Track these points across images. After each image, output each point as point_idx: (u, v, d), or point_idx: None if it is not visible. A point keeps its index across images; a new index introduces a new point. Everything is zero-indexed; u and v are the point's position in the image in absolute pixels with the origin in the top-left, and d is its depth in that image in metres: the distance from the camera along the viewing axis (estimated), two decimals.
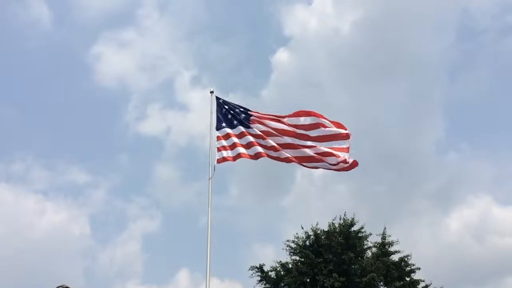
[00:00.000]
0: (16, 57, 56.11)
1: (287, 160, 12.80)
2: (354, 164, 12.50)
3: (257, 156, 12.88)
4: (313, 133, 12.80)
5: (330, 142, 12.65)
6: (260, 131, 12.98)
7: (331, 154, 12.50)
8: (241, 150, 12.92)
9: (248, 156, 12.91)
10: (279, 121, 13.06)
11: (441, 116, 51.86)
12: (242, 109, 13.41)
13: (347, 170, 12.72)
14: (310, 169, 13.36)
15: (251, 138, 12.97)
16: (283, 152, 12.70)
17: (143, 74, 58.29)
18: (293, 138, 12.82)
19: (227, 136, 13.10)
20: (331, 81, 51.83)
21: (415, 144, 48.43)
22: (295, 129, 12.85)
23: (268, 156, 12.85)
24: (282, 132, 12.89)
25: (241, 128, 13.14)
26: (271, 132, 12.93)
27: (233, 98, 13.73)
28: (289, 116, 13.03)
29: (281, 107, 48.77)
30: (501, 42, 56.87)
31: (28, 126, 53.10)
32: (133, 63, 58.18)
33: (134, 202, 50.16)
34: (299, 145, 12.72)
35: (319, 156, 12.57)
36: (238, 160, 12.98)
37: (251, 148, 12.92)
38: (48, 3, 57.34)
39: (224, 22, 61.74)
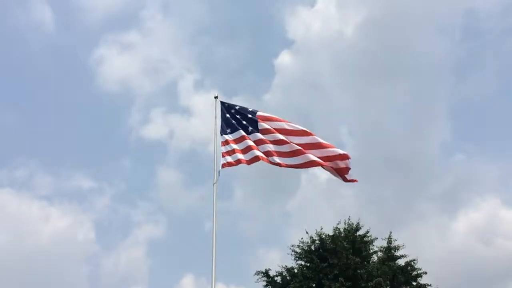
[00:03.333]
0: (19, 61, 56.26)
1: (292, 166, 12.80)
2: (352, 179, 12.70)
3: (260, 159, 12.82)
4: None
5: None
6: (266, 137, 12.93)
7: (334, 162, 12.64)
8: (245, 155, 12.86)
9: (252, 162, 12.85)
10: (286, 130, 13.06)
11: (446, 117, 51.64)
12: (250, 110, 13.32)
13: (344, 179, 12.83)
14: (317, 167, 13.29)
15: (255, 144, 12.91)
16: (288, 158, 12.67)
17: (146, 78, 58.34)
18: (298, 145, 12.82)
19: (231, 141, 13.04)
20: (335, 83, 51.81)
21: (420, 147, 48.21)
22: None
23: (271, 162, 12.81)
24: (290, 135, 12.88)
25: (246, 133, 13.07)
26: (279, 140, 12.90)
27: (236, 102, 13.69)
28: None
29: (284, 110, 48.80)
30: (506, 42, 56.62)
31: (31, 131, 53.22)
32: (136, 66, 58.21)
33: (138, 207, 50.14)
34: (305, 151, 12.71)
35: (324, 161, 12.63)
36: (242, 165, 12.92)
37: (255, 153, 12.84)
38: (50, 6, 57.52)
39: (227, 25, 61.85)
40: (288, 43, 62.13)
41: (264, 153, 12.76)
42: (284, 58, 54.87)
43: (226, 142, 13.03)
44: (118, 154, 55.73)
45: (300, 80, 53.43)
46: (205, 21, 60.52)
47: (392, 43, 49.31)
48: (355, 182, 12.87)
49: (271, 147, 12.78)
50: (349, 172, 12.72)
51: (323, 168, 12.87)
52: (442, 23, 53.60)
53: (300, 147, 12.58)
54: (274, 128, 12.95)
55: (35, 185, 49.19)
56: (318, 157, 12.52)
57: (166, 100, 58.98)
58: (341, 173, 12.73)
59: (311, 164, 12.69)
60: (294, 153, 12.60)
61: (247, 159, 12.80)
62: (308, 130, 12.92)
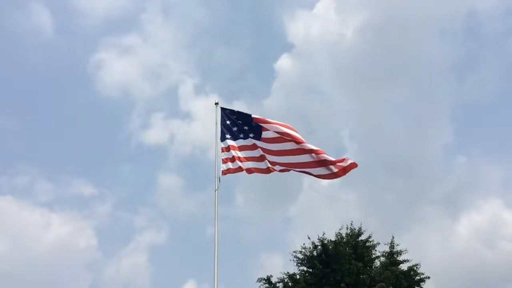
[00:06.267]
0: (19, 66, 56.08)
1: (290, 168, 12.86)
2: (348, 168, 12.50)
3: (258, 171, 12.93)
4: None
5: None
6: (268, 145, 12.98)
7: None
8: (245, 163, 12.90)
9: (252, 170, 12.91)
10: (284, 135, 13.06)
11: (448, 119, 51.39)
12: (248, 119, 13.33)
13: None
14: (316, 177, 13.29)
15: (255, 152, 12.98)
16: (287, 167, 12.77)
17: (146, 82, 58.22)
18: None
19: (231, 148, 13.07)
20: (335, 87, 51.76)
21: (422, 149, 48.08)
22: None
23: (272, 170, 12.90)
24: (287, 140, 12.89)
25: (245, 141, 13.13)
26: (275, 140, 12.93)
27: (236, 106, 13.73)
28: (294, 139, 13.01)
29: (285, 114, 48.73)
30: (507, 43, 56.48)
31: (31, 138, 53.12)
32: (136, 71, 58.06)
33: (139, 213, 50.00)
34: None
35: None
36: (243, 172, 12.98)
37: (255, 162, 12.92)
38: (50, 10, 57.47)
39: (227, 28, 61.64)
40: (288, 47, 61.99)
41: (263, 162, 12.83)
42: (284, 62, 54.84)
43: (226, 149, 13.05)
44: (118, 159, 55.57)
45: (301, 83, 53.46)
46: (205, 25, 60.49)
47: (392, 46, 49.33)
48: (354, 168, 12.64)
49: (272, 157, 12.88)
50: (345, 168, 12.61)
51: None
52: (442, 25, 53.69)
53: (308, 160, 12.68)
54: (274, 131, 12.98)
55: (35, 192, 49.10)
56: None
57: (167, 104, 58.94)
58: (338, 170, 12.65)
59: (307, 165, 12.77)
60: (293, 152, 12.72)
61: (246, 168, 12.85)
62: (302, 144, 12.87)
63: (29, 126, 53.95)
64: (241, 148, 13.07)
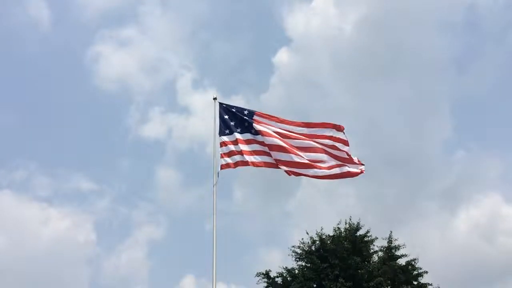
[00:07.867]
0: (16, 60, 55.55)
1: (287, 173, 12.98)
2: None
3: (256, 164, 12.98)
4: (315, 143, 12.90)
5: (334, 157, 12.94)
6: (263, 140, 13.01)
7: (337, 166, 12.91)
8: (244, 157, 12.93)
9: (250, 164, 12.93)
10: (284, 122, 13.11)
11: (447, 114, 51.27)
12: (246, 113, 13.34)
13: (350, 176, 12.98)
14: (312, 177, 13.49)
15: (254, 146, 12.99)
16: (283, 167, 12.81)
17: (144, 76, 57.99)
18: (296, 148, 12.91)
19: (230, 143, 13.10)
20: (334, 81, 51.62)
21: (421, 144, 48.04)
22: (299, 136, 12.97)
23: (270, 165, 12.94)
24: (286, 140, 12.93)
25: (244, 135, 13.14)
26: (275, 142, 12.96)
27: (235, 100, 13.76)
28: (295, 124, 13.10)
29: (283, 108, 48.66)
30: (508, 36, 56.32)
31: (29, 132, 52.95)
32: (134, 64, 57.76)
33: (138, 208, 50.03)
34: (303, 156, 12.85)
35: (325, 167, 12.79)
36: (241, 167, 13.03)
37: (254, 156, 12.95)
38: (47, 3, 56.97)
39: (226, 21, 61.40)
40: (287, 40, 61.73)
41: (260, 156, 12.86)
42: (283, 56, 54.67)
43: (224, 143, 13.08)
44: (116, 154, 55.48)
45: (299, 78, 53.26)
46: (204, 18, 60.21)
47: (392, 40, 49.15)
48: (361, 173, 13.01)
49: (268, 153, 12.93)
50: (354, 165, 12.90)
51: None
52: (443, 18, 53.56)
53: (304, 161, 12.67)
54: (273, 132, 12.98)
55: (34, 187, 49.04)
56: (324, 166, 12.69)
57: (165, 99, 58.76)
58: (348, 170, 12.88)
59: (315, 177, 12.96)
60: (297, 165, 12.81)
61: (245, 161, 12.89)
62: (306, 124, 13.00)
63: (26, 120, 53.84)
64: (239, 142, 13.09)
